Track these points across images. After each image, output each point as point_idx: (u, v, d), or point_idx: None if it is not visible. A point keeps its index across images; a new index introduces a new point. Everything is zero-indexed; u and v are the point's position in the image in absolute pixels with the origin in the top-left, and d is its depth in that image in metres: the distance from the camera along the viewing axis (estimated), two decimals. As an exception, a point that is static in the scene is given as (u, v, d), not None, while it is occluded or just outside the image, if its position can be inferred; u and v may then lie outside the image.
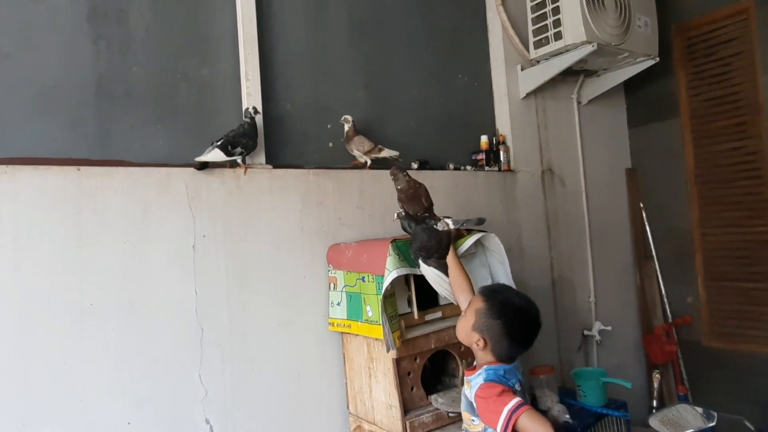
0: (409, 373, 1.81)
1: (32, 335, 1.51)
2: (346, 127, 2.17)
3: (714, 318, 3.08)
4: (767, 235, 2.85)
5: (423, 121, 2.56)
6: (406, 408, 1.77)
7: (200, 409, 1.75)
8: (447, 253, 1.68)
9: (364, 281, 1.82)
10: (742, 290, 2.95)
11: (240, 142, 1.84)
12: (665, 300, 3.25)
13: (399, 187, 1.84)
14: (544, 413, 1.60)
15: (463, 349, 1.90)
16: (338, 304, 1.96)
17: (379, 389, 1.84)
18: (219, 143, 1.80)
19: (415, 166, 2.40)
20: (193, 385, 1.75)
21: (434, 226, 1.74)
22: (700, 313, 3.12)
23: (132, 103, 1.81)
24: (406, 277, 1.82)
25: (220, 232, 1.84)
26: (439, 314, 1.91)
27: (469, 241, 1.82)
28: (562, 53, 2.62)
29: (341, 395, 2.03)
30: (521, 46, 2.80)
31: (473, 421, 1.42)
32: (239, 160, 1.87)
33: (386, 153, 2.19)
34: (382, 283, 1.70)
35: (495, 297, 1.45)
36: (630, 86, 3.29)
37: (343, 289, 1.94)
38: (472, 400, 1.40)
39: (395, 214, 1.84)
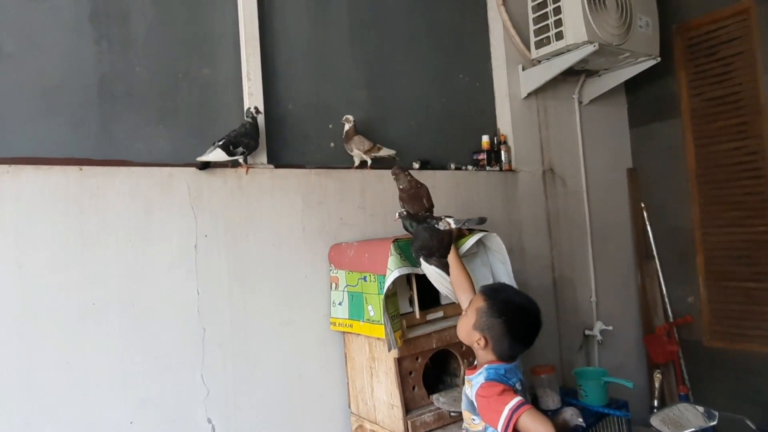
0: (410, 373, 1.81)
1: (35, 334, 1.52)
2: (347, 127, 2.17)
3: (715, 318, 3.08)
4: (768, 234, 2.85)
5: (424, 121, 2.56)
6: (408, 407, 1.77)
7: (202, 409, 1.76)
8: (448, 253, 1.68)
9: (365, 281, 1.83)
10: (743, 290, 2.95)
11: (242, 142, 1.84)
12: (666, 300, 3.25)
13: (401, 187, 1.84)
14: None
15: (464, 348, 1.90)
16: (340, 303, 1.96)
17: (380, 389, 1.84)
18: (221, 143, 1.80)
19: (416, 165, 2.41)
20: (195, 385, 1.75)
21: (436, 226, 1.74)
22: (701, 313, 3.12)
23: (134, 103, 1.81)
24: (408, 276, 1.82)
25: (221, 231, 1.84)
26: (440, 314, 1.91)
27: (470, 241, 1.82)
28: (563, 53, 2.63)
29: (343, 394, 2.03)
30: (522, 45, 2.80)
31: (474, 420, 1.42)
32: (241, 160, 1.87)
33: (384, 152, 2.21)
34: (383, 282, 1.70)
35: (496, 296, 1.45)
36: (631, 86, 3.29)
37: (345, 289, 1.94)
38: (473, 399, 1.40)
39: (397, 214, 1.84)
